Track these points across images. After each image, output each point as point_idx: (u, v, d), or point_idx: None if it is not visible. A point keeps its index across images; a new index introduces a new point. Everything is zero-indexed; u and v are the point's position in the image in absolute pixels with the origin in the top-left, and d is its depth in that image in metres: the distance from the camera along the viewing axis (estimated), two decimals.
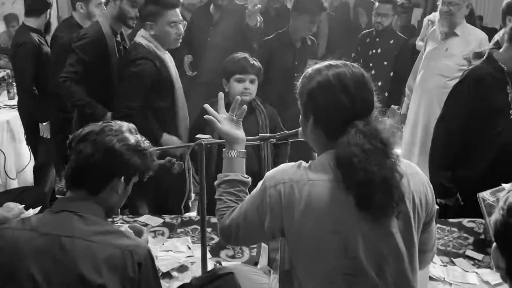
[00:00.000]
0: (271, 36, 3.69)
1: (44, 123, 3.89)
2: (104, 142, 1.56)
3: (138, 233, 1.79)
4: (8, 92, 4.55)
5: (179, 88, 3.16)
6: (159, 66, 3.02)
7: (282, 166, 1.51)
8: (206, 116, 1.75)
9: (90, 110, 3.11)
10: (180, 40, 3.11)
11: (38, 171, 4.10)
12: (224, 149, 1.72)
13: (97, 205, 1.59)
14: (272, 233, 1.49)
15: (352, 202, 1.38)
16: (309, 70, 1.54)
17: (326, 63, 1.51)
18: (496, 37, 3.31)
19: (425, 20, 4.16)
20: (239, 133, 1.74)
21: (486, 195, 2.51)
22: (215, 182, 1.68)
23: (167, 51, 3.14)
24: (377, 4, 4.23)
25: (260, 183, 1.51)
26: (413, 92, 3.91)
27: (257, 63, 3.01)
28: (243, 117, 2.93)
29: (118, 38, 3.28)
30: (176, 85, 3.13)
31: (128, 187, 1.66)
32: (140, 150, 1.62)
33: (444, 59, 3.60)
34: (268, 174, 1.51)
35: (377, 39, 3.99)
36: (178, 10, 3.04)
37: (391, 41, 3.93)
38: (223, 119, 1.73)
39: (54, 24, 4.41)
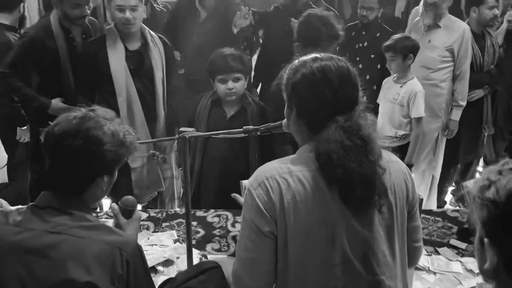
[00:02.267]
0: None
1: (23, 127, 3.71)
2: (80, 147, 1.49)
3: (132, 206, 1.78)
4: None
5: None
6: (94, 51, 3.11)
7: (259, 168, 1.50)
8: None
9: (34, 103, 3.22)
10: (130, 27, 3.06)
11: (14, 170, 4.02)
12: None
13: (81, 200, 1.56)
14: (273, 233, 1.42)
15: (336, 192, 1.38)
16: (295, 62, 1.53)
17: (313, 55, 1.50)
18: None
19: (414, 11, 4.14)
20: None
21: (469, 184, 2.54)
22: None
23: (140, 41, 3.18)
24: None
25: (245, 193, 1.48)
26: None
27: (241, 57, 2.93)
28: (235, 116, 2.98)
29: (74, 34, 3.26)
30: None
31: (113, 177, 1.64)
32: (120, 142, 1.57)
33: (427, 50, 3.59)
34: (249, 179, 1.49)
35: (363, 32, 3.97)
36: None
37: (378, 34, 3.92)
38: None
39: (35, 18, 4.32)
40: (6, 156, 4.16)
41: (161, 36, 3.33)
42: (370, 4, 3.95)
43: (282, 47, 3.41)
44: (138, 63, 3.16)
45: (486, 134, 4.09)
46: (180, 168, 3.21)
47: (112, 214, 1.82)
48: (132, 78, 3.12)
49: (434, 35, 3.66)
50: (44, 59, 3.18)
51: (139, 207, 2.82)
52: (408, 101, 3.26)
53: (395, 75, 3.40)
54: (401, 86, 3.32)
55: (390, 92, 3.37)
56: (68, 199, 1.53)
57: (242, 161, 2.99)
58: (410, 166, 3.29)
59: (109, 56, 3.09)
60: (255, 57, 4.32)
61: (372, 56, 3.87)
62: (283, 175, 1.41)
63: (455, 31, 3.62)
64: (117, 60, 3.09)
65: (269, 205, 1.40)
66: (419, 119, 3.27)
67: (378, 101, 3.49)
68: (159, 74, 3.21)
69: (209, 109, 2.97)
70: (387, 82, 3.47)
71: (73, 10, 3.09)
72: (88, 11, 3.18)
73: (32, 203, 1.55)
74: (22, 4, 3.81)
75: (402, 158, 3.02)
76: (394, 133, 3.34)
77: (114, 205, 1.79)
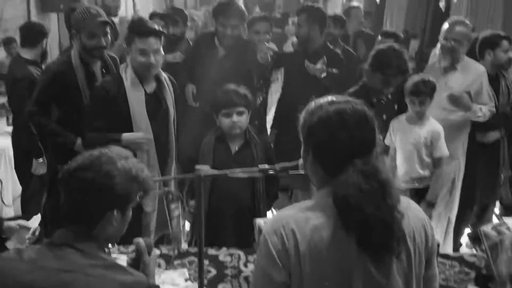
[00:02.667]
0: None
1: (39, 160, 3.76)
2: (91, 180, 1.52)
3: (149, 247, 1.74)
4: (7, 118, 4.53)
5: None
6: (113, 92, 3.00)
7: (277, 213, 1.49)
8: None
9: (60, 139, 3.20)
10: (153, 71, 3.03)
11: (27, 202, 4.03)
12: None
13: (94, 237, 1.56)
14: (285, 283, 1.40)
15: (353, 239, 1.36)
16: (311, 104, 1.52)
17: (329, 98, 1.51)
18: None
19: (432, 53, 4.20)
20: None
21: (487, 229, 2.49)
22: None
23: (153, 80, 3.12)
24: (379, 38, 4.25)
25: (260, 238, 1.47)
26: None
27: (244, 93, 2.96)
28: (240, 151, 2.99)
29: (94, 69, 3.25)
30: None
31: (126, 216, 1.63)
32: (132, 177, 1.58)
33: (444, 92, 3.58)
34: (265, 225, 1.48)
35: None
36: (153, 39, 2.95)
37: None
38: None
39: (55, 51, 4.41)
40: (20, 188, 4.19)
41: (169, 76, 3.29)
42: None
43: (302, 91, 3.45)
44: (156, 106, 3.11)
45: (503, 176, 4.03)
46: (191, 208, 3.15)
47: (124, 250, 1.80)
48: (150, 121, 3.05)
49: (451, 77, 3.66)
50: (65, 95, 3.18)
51: None
52: (431, 140, 3.24)
53: (403, 117, 3.39)
54: (420, 128, 3.29)
55: (410, 135, 3.32)
56: (81, 236, 1.53)
57: (250, 196, 2.99)
58: (432, 204, 3.27)
59: (129, 99, 3.00)
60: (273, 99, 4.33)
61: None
62: (299, 223, 1.40)
63: (472, 73, 3.62)
64: (137, 103, 3.02)
65: (283, 255, 1.38)
66: (442, 158, 3.26)
67: (387, 142, 3.42)
68: (172, 115, 3.19)
69: (213, 145, 2.99)
70: (399, 124, 3.41)
71: (90, 41, 3.10)
72: (104, 43, 3.15)
73: (47, 239, 1.56)
74: (44, 40, 3.91)
75: (419, 202, 2.99)
76: (418, 174, 3.29)
77: (141, 241, 1.74)
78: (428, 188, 3.29)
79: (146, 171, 1.66)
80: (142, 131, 3.02)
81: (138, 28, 2.98)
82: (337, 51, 4.03)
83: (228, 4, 3.79)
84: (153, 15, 4.84)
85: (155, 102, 3.11)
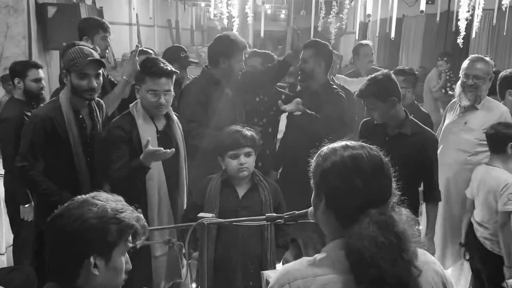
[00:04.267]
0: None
1: (25, 205, 3.58)
2: (63, 227, 1.45)
3: None
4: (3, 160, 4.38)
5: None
6: (128, 130, 2.94)
7: (284, 267, 1.42)
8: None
9: (54, 198, 2.87)
10: (163, 110, 3.00)
11: (19, 250, 3.81)
12: None
13: None
14: None
15: None
16: (324, 149, 1.46)
17: (343, 143, 1.44)
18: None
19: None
20: None
21: None
22: None
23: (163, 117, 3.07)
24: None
25: None
26: None
27: (251, 134, 2.89)
28: (247, 194, 2.87)
29: (83, 114, 3.03)
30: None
31: (113, 262, 1.49)
32: (109, 219, 1.47)
33: (463, 133, 3.45)
34: (272, 279, 1.41)
35: None
36: (164, 80, 2.93)
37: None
38: None
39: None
40: (12, 236, 4.00)
41: (177, 115, 3.23)
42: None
43: (304, 135, 3.33)
44: (167, 144, 2.97)
45: None
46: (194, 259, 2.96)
47: None
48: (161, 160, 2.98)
49: (471, 116, 3.51)
50: (53, 143, 2.95)
51: None
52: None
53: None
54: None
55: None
56: None
57: (258, 246, 2.85)
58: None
59: (142, 137, 2.92)
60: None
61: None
62: (306, 280, 1.32)
63: (494, 113, 3.45)
64: (150, 140, 2.89)
65: None
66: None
67: (469, 196, 3.35)
68: (183, 154, 3.13)
69: (219, 190, 2.88)
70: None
71: (80, 81, 2.90)
72: (95, 85, 2.95)
73: None
74: (18, 79, 3.76)
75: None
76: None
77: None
78: None
79: (128, 212, 1.53)
80: (154, 169, 2.93)
81: (150, 68, 2.94)
82: (339, 91, 3.81)
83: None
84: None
85: (165, 140, 3.04)
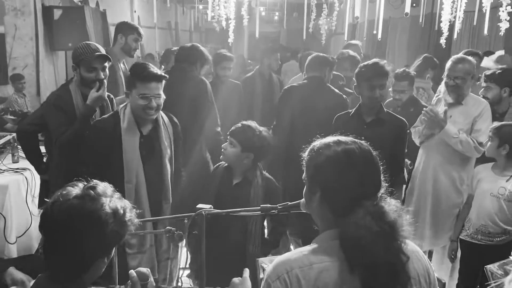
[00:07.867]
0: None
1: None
2: (83, 231, 1.42)
3: (144, 277, 1.69)
4: (13, 155, 4.48)
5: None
6: (109, 132, 3.01)
7: (279, 257, 1.46)
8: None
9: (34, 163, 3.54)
10: (153, 114, 3.00)
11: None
12: None
13: (81, 282, 1.50)
14: None
15: (358, 283, 1.33)
16: (316, 143, 1.51)
17: (335, 138, 1.50)
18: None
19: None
20: None
21: (494, 268, 2.44)
22: None
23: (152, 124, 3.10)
24: (393, 81, 4.32)
25: (262, 283, 1.44)
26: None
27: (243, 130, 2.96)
28: (239, 184, 2.96)
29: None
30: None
31: (110, 257, 1.57)
32: (122, 222, 1.51)
33: (448, 125, 3.58)
34: (268, 269, 1.44)
35: (399, 109, 4.20)
36: (154, 84, 2.94)
37: (411, 109, 4.11)
38: None
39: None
40: (23, 226, 4.13)
41: (171, 115, 3.27)
42: (402, 88, 4.25)
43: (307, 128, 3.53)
44: (150, 148, 3.07)
45: None
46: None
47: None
48: (143, 164, 3.02)
49: (455, 111, 3.68)
50: (61, 121, 3.18)
51: None
52: None
53: (490, 165, 3.36)
54: (507, 181, 3.21)
55: (494, 186, 3.25)
56: (67, 284, 1.47)
57: (243, 231, 2.95)
58: None
59: (123, 142, 2.98)
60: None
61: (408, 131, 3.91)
62: (303, 268, 1.37)
63: (475, 107, 3.62)
64: (131, 147, 2.99)
65: None
66: None
67: (468, 191, 3.50)
68: (167, 156, 3.14)
69: (222, 173, 3.05)
70: (485, 172, 3.38)
71: (88, 74, 3.19)
72: (102, 76, 3.22)
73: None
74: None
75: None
76: (502, 230, 3.23)
77: (133, 272, 1.67)
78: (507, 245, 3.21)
79: (132, 210, 1.58)
80: (133, 173, 2.98)
81: (140, 73, 2.95)
82: (338, 92, 4.11)
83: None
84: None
85: (149, 145, 3.07)
